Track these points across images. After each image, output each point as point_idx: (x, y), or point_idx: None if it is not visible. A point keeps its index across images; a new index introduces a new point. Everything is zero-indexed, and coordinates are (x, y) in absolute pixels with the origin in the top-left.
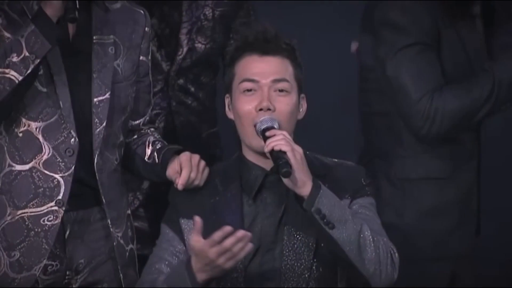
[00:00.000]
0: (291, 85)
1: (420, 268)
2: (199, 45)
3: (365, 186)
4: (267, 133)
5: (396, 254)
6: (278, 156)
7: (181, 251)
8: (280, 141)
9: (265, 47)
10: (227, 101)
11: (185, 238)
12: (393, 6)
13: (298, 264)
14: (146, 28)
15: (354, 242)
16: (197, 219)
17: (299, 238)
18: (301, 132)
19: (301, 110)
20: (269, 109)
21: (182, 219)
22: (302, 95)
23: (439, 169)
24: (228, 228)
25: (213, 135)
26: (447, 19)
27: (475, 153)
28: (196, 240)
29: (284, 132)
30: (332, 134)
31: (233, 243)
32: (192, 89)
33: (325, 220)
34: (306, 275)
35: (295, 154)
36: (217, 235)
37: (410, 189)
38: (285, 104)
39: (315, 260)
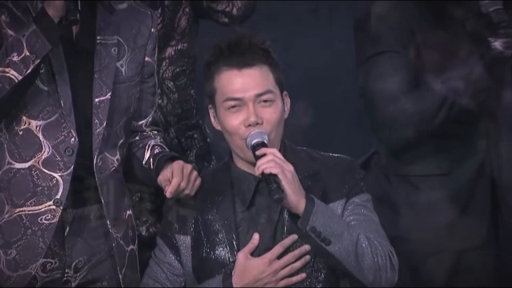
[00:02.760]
0: (275, 93)
1: (417, 262)
2: None
3: (360, 181)
4: (257, 152)
5: (395, 256)
6: (269, 180)
7: (178, 272)
8: (270, 163)
9: (242, 61)
10: (211, 112)
11: (181, 254)
12: (367, 11)
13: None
14: (152, 29)
15: (352, 254)
16: (256, 236)
17: (298, 243)
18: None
19: (286, 109)
20: (257, 123)
21: (177, 235)
22: (285, 92)
23: (435, 166)
24: (295, 236)
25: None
26: (426, 24)
27: (480, 148)
28: (246, 254)
29: (274, 151)
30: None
31: (296, 256)
32: None
33: (321, 237)
34: (308, 282)
35: (286, 175)
36: (285, 242)
37: (405, 186)
38: (272, 113)
39: (315, 264)
